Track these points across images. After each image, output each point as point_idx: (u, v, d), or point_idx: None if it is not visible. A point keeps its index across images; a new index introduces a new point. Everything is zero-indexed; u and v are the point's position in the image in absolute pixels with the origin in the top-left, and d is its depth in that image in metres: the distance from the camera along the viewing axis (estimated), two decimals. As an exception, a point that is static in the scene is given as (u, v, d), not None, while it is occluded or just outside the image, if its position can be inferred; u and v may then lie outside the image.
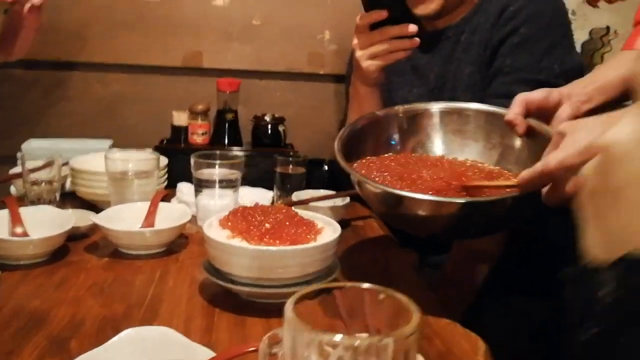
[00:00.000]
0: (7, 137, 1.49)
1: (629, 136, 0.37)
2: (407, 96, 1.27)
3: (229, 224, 0.76)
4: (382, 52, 1.08)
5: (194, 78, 1.55)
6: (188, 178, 1.13)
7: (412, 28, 1.06)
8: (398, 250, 1.05)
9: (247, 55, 1.54)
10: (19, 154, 1.33)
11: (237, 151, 1.42)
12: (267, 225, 0.73)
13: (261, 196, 1.23)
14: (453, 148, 0.94)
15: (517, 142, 0.89)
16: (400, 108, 0.97)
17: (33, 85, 1.51)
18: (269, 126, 1.45)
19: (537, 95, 0.84)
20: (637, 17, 1.01)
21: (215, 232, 0.76)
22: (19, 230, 0.92)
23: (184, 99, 1.48)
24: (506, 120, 0.85)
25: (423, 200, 0.72)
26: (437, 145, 0.94)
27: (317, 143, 1.53)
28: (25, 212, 0.96)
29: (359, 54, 1.11)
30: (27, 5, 1.01)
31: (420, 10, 1.22)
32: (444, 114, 0.96)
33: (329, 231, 0.77)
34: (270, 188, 1.24)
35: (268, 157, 1.31)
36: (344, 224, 1.10)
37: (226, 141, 1.45)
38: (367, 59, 1.10)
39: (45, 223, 0.93)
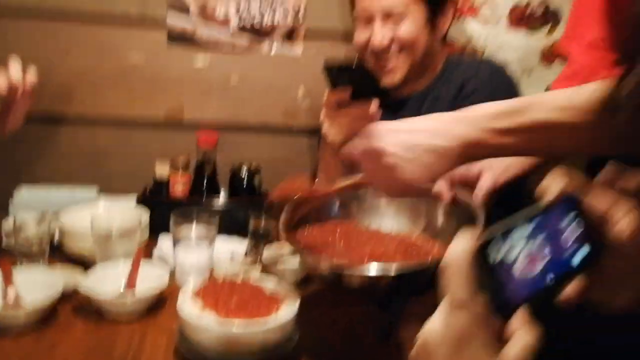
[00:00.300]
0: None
1: (435, 333, 0.47)
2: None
3: (201, 296, 0.87)
4: (343, 128, 1.20)
5: (175, 131, 1.66)
6: (169, 228, 1.23)
7: (373, 108, 1.17)
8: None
9: (225, 110, 1.68)
10: (10, 206, 1.44)
11: (215, 199, 1.54)
12: (234, 302, 0.84)
13: (236, 247, 1.33)
14: (385, 218, 1.07)
15: (441, 213, 1.03)
16: (342, 186, 1.12)
17: (24, 137, 1.61)
18: (245, 178, 1.56)
19: (461, 168, 0.96)
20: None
21: (188, 303, 0.86)
22: (11, 292, 1.02)
23: (166, 150, 1.59)
24: (433, 192, 0.97)
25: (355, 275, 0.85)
26: (373, 218, 1.08)
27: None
28: (17, 272, 1.06)
29: (325, 127, 1.23)
30: (20, 91, 1.10)
31: (386, 81, 1.35)
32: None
33: (290, 303, 0.88)
34: (246, 235, 1.35)
35: (244, 206, 1.43)
36: (310, 277, 1.21)
37: (205, 192, 1.55)
38: (332, 133, 1.23)
39: (36, 284, 1.03)
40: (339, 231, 1.07)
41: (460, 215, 0.94)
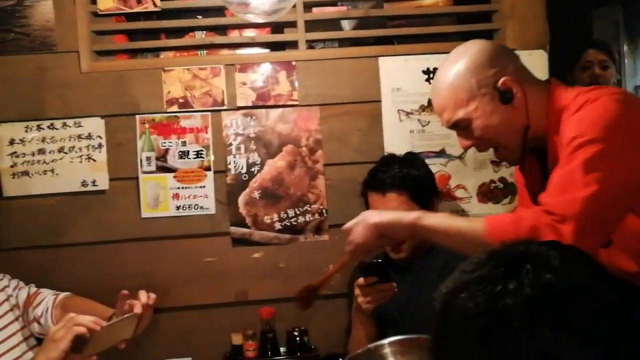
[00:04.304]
0: None
1: None
2: (386, 308, 1.93)
3: None
4: (374, 299, 1.77)
5: (243, 308, 2.22)
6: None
7: (392, 286, 1.74)
8: None
9: (278, 288, 2.23)
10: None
11: (277, 358, 2.07)
12: None
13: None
14: None
15: None
16: (371, 346, 1.61)
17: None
18: (297, 338, 2.10)
19: None
20: None
21: None
22: None
23: (237, 324, 2.15)
24: None
25: None
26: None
27: (333, 342, 2.16)
28: None
29: (360, 299, 1.79)
30: (148, 308, 1.69)
31: (395, 256, 1.93)
32: (393, 344, 1.59)
33: None
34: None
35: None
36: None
37: (269, 353, 2.09)
38: (366, 304, 1.79)
39: None
40: None
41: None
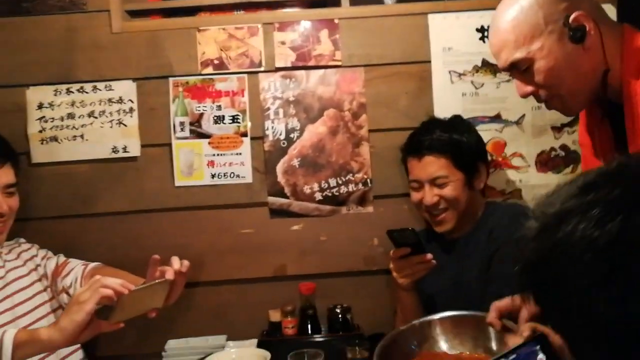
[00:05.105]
0: (148, 337, 2.03)
1: None
2: (433, 288, 1.76)
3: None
4: (410, 273, 1.61)
5: (281, 283, 2.08)
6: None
7: (429, 257, 1.58)
8: None
9: (318, 263, 2.08)
10: (164, 356, 1.88)
11: (318, 336, 1.93)
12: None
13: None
14: (454, 345, 1.41)
15: (493, 336, 1.35)
16: (416, 322, 1.46)
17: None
18: (340, 316, 1.95)
19: (506, 302, 1.29)
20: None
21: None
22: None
23: (275, 300, 2.01)
24: (487, 322, 1.31)
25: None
26: (442, 345, 1.41)
27: (378, 321, 2.01)
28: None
29: (395, 274, 1.64)
30: (180, 275, 1.55)
31: (438, 229, 1.76)
32: (444, 321, 1.44)
33: None
34: (345, 365, 1.71)
35: (342, 339, 1.82)
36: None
37: (309, 330, 1.95)
38: (401, 278, 1.64)
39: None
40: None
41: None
